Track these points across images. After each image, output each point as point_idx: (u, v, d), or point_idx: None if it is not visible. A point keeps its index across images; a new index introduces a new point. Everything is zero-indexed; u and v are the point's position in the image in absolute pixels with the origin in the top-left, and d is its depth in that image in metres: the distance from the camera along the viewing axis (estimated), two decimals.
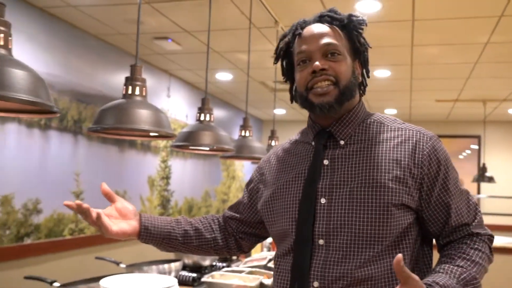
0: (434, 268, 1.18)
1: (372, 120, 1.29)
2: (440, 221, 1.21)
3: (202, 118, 2.21)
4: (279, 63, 1.36)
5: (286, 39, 1.30)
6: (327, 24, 1.25)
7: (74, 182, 3.72)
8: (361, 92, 1.33)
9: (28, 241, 3.26)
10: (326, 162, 1.24)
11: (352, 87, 1.24)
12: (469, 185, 7.47)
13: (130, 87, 1.58)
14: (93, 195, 3.94)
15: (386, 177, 1.16)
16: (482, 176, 6.20)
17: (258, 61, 4.47)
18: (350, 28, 1.26)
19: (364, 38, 1.29)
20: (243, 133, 2.81)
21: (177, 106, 5.38)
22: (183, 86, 5.55)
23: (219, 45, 4.12)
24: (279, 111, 7.30)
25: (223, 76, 5.28)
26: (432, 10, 3.19)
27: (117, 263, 2.39)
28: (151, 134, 1.70)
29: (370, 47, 1.32)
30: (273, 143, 3.40)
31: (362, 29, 1.28)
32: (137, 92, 1.58)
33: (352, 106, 1.27)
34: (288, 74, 1.34)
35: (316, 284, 1.15)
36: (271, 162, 1.40)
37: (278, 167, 1.35)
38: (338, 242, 1.16)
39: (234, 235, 1.44)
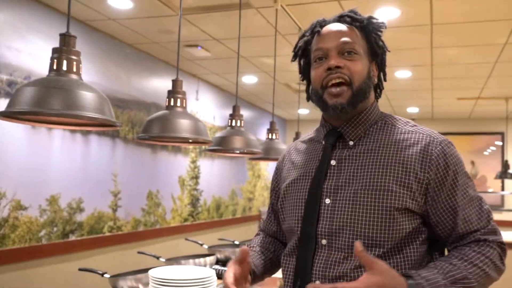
0: (428, 264, 1.17)
1: (384, 122, 1.28)
2: (448, 227, 1.19)
3: (233, 124, 2.43)
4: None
5: (305, 38, 1.32)
6: (347, 24, 1.26)
7: (112, 182, 3.99)
8: (377, 94, 1.33)
9: (72, 237, 3.53)
10: (333, 162, 1.24)
11: (366, 88, 1.23)
12: (492, 182, 7.51)
13: (172, 100, 1.80)
14: (129, 195, 4.20)
15: (390, 181, 1.16)
16: (504, 173, 6.26)
17: (282, 65, 4.66)
18: (369, 29, 1.26)
19: (382, 41, 1.29)
20: (270, 136, 3.01)
21: (205, 108, 5.61)
22: (211, 89, 5.78)
23: (246, 51, 4.33)
24: (303, 111, 7.48)
25: (249, 79, 5.49)
26: (449, 15, 3.32)
27: (157, 257, 2.61)
28: (190, 140, 1.91)
29: (389, 51, 1.32)
30: None
31: (381, 31, 1.28)
32: (178, 103, 1.80)
33: (365, 107, 1.26)
34: (305, 73, 1.35)
35: (318, 283, 1.16)
36: (284, 161, 1.43)
37: (289, 165, 1.38)
38: (340, 243, 1.17)
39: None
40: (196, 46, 4.19)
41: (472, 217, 1.18)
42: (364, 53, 1.25)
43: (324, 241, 1.18)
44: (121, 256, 4.02)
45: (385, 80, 1.34)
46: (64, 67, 1.24)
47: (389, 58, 1.38)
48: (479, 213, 1.19)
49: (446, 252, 1.27)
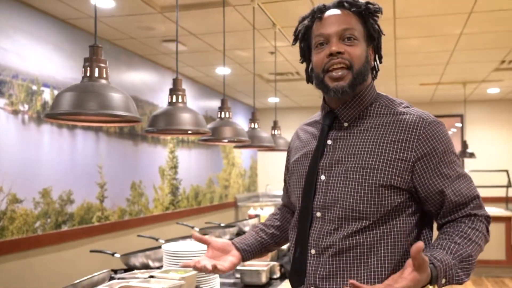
0: (432, 244, 1.24)
1: (379, 104, 1.35)
2: (436, 202, 1.27)
3: (222, 115, 2.66)
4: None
5: (305, 22, 1.37)
6: (345, 10, 1.31)
7: (98, 174, 4.15)
8: (373, 76, 1.38)
9: (65, 228, 3.70)
10: (329, 142, 1.35)
11: (365, 71, 1.30)
12: None
13: (174, 96, 2.02)
14: (114, 186, 4.38)
15: (377, 160, 1.26)
16: (463, 152, 6.71)
17: (255, 57, 4.90)
18: (366, 14, 1.31)
19: (378, 25, 1.34)
20: (252, 125, 3.26)
21: None
22: (185, 81, 5.96)
23: (221, 44, 4.54)
24: (274, 99, 7.75)
25: (222, 71, 5.71)
26: (410, 9, 3.63)
27: (156, 239, 2.83)
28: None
29: (384, 34, 1.37)
30: (276, 132, 3.85)
31: (378, 16, 1.34)
32: (179, 100, 2.02)
33: (360, 90, 1.33)
34: (305, 55, 1.41)
35: (313, 251, 1.31)
36: (293, 141, 1.55)
37: (297, 145, 1.50)
38: (331, 216, 1.28)
39: None
40: (174, 41, 4.37)
41: (463, 190, 1.26)
42: (362, 37, 1.30)
43: (318, 214, 1.30)
44: (113, 243, 4.22)
45: (380, 62, 1.40)
46: (96, 74, 1.45)
47: None
48: (468, 188, 1.28)
49: (435, 226, 1.36)
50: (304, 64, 1.46)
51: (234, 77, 6.07)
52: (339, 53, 1.26)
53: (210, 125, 2.59)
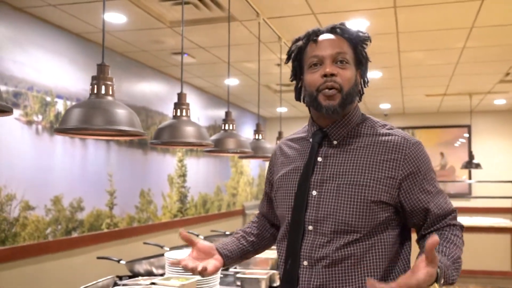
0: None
1: (365, 125, 1.44)
2: (421, 214, 1.38)
3: (226, 127, 2.77)
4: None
5: (299, 43, 1.44)
6: (338, 35, 1.40)
7: (108, 182, 4.28)
8: (358, 98, 1.45)
9: (75, 234, 3.83)
10: (319, 159, 1.41)
11: (353, 93, 1.39)
12: (461, 172, 8.02)
13: (178, 110, 2.13)
14: (123, 193, 4.50)
15: (368, 177, 1.35)
16: (470, 163, 6.74)
17: (263, 68, 5.02)
18: (357, 41, 1.41)
19: (366, 52, 1.44)
20: (256, 136, 3.37)
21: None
22: (194, 91, 6.09)
23: (230, 57, 4.66)
24: (281, 109, 7.86)
25: (231, 81, 5.83)
26: (413, 24, 3.72)
27: (161, 246, 2.93)
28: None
29: (370, 61, 1.47)
30: None
31: (366, 44, 1.43)
32: (184, 113, 2.13)
33: (349, 110, 1.41)
34: (296, 74, 1.48)
35: (305, 263, 1.36)
36: (277, 155, 1.59)
37: (282, 160, 1.54)
38: (324, 229, 1.34)
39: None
40: (183, 53, 4.50)
41: (442, 205, 1.39)
42: (352, 62, 1.40)
43: (310, 227, 1.36)
44: (121, 249, 4.33)
45: (366, 86, 1.49)
46: (102, 91, 1.56)
47: None
48: (445, 202, 1.40)
49: (413, 238, 1.46)
50: None
51: (242, 87, 6.19)
52: (332, 75, 1.35)
53: (214, 137, 2.70)
